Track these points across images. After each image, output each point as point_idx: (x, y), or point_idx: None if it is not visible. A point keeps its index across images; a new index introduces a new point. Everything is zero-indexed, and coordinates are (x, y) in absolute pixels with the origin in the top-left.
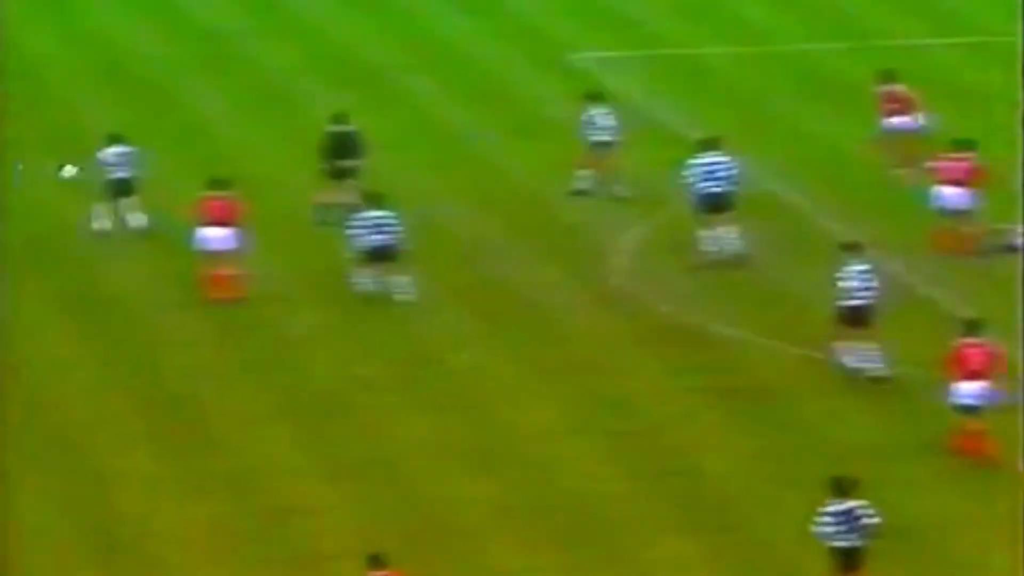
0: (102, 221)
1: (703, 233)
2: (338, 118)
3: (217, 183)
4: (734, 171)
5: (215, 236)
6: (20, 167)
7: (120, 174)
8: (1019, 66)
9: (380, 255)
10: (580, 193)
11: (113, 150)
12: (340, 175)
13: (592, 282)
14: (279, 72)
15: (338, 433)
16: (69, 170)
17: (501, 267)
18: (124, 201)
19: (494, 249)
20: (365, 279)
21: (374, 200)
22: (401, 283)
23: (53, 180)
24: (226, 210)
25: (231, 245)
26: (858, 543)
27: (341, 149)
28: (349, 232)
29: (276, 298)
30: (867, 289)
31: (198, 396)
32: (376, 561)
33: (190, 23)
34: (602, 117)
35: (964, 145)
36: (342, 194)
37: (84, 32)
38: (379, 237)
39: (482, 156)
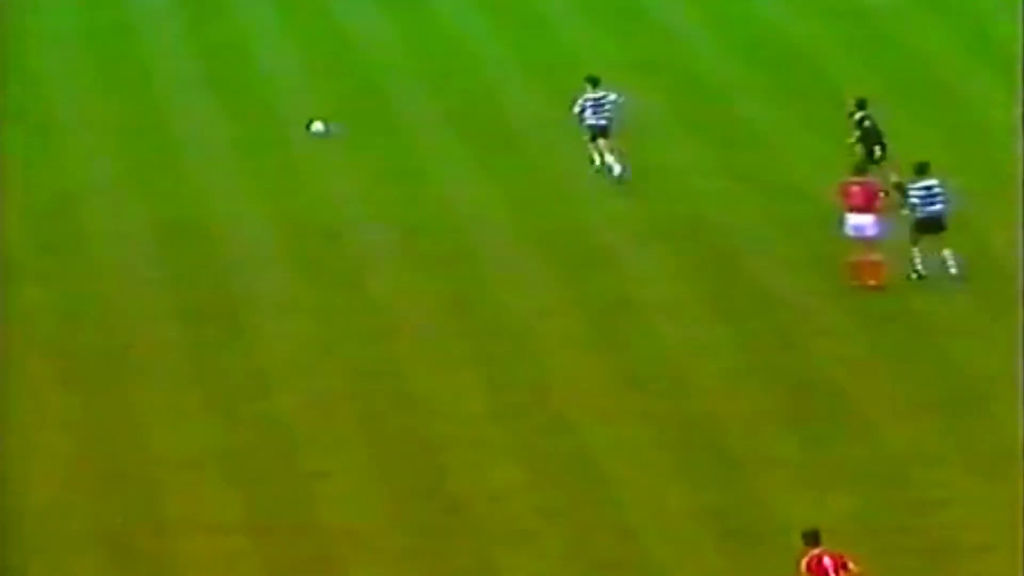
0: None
1: None
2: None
3: (859, 169)
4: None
5: (861, 223)
6: None
7: None
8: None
9: (931, 227)
10: None
11: None
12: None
13: None
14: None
15: (980, 425)
16: (318, 127)
17: None
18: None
19: None
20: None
21: (922, 171)
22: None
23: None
24: (868, 196)
25: (874, 232)
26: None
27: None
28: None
29: (919, 286)
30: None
31: (837, 382)
32: (812, 538)
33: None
34: None
35: None
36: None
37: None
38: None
39: None
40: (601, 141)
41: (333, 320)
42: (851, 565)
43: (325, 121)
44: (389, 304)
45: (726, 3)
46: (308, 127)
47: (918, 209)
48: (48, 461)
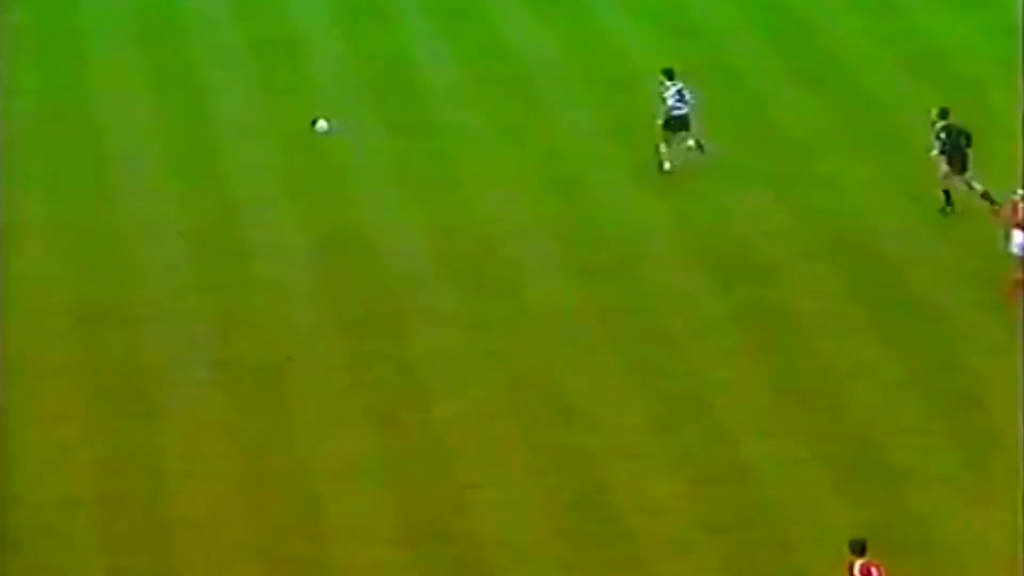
0: None
1: None
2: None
3: None
4: None
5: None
6: None
7: None
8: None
9: None
10: None
11: None
12: None
13: None
14: None
15: None
16: (322, 125)
17: None
18: None
19: None
20: None
21: None
22: None
23: None
24: None
25: None
26: None
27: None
28: None
29: None
30: None
31: (999, 398)
32: (859, 548)
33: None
34: None
35: None
36: None
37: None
38: None
39: None
40: (682, 132)
41: (491, 331)
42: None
43: (328, 119)
44: (546, 314)
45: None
46: (313, 125)
47: None
48: (209, 471)
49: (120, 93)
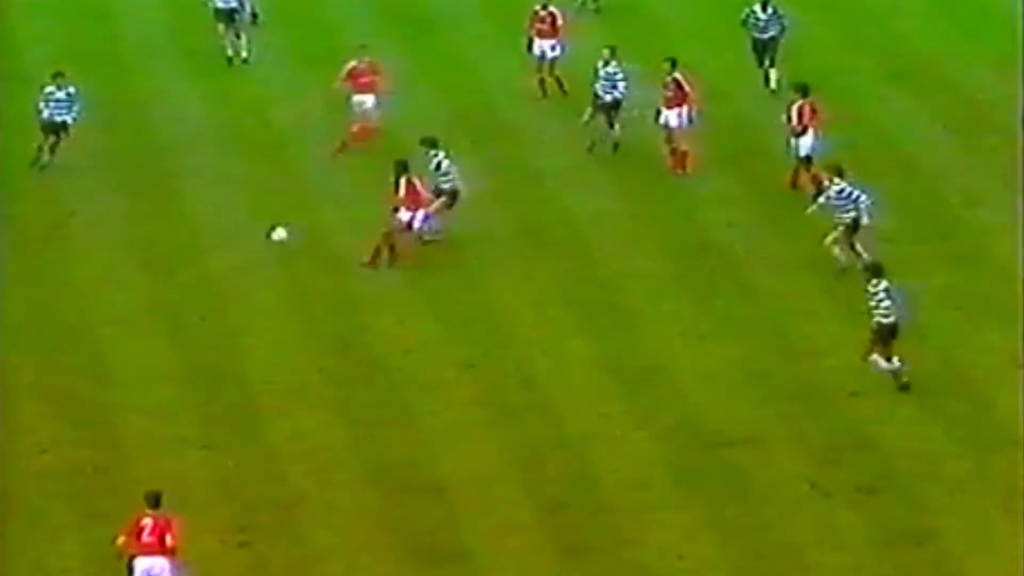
0: None
1: None
2: None
3: None
4: None
5: None
6: None
7: None
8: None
9: None
10: None
11: None
12: None
13: None
14: None
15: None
16: (279, 233)
17: None
18: None
19: None
20: None
21: None
22: None
23: None
24: None
25: None
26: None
27: None
28: None
29: None
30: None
31: (727, 245)
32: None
33: None
34: None
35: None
36: None
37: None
38: None
39: None
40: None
41: (260, 189)
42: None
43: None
44: (312, 172)
45: None
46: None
47: None
48: None
49: None
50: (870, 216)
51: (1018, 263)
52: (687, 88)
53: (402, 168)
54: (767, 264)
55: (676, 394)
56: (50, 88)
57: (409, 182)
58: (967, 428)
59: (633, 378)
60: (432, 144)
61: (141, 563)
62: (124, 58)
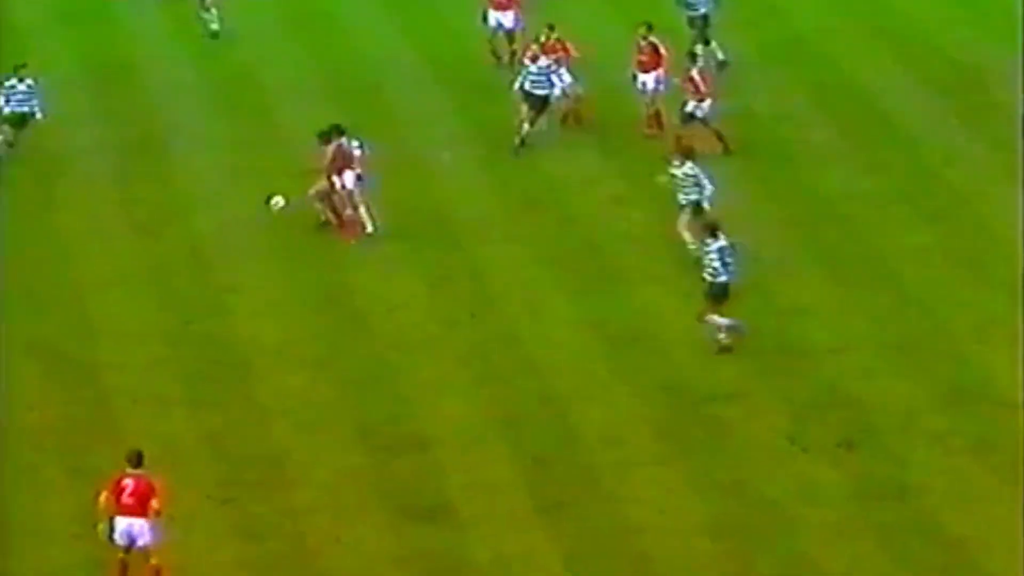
0: None
1: None
2: None
3: None
4: None
5: None
6: None
7: None
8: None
9: None
10: None
11: None
12: None
13: None
14: None
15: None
16: (278, 201)
17: None
18: None
19: None
20: None
21: None
22: None
23: None
24: None
25: None
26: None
27: None
28: None
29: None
30: None
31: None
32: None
33: None
34: None
35: None
36: None
37: None
38: None
39: None
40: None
41: (247, 150)
42: None
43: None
44: (297, 138)
45: None
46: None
47: None
48: None
49: None
50: (711, 203)
51: (996, 221)
52: (662, 51)
53: (338, 133)
54: (749, 222)
55: (659, 352)
56: (11, 82)
57: (339, 147)
58: (946, 384)
59: (617, 336)
60: (341, 132)
61: (121, 523)
62: (114, 16)
